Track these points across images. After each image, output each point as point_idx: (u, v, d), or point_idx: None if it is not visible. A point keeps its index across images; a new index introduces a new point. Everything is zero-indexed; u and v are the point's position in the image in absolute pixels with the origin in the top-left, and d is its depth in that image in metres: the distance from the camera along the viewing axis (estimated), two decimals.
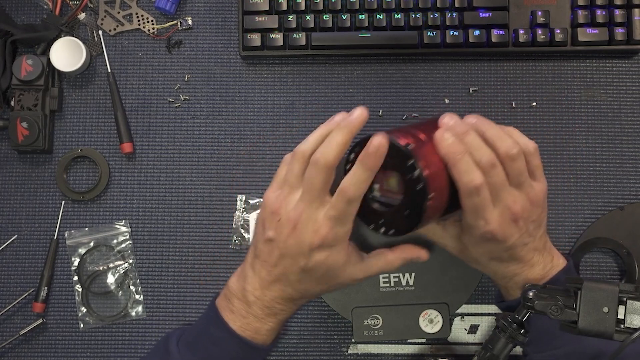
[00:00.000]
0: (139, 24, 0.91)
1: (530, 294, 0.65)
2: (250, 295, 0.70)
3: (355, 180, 0.63)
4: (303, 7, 0.88)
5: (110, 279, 0.88)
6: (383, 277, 0.82)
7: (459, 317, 0.87)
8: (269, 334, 0.72)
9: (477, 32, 0.88)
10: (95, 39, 0.91)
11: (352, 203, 0.64)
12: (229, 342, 0.71)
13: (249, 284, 0.70)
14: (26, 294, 0.87)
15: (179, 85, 0.91)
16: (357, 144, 0.65)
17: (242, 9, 0.88)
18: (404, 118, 0.90)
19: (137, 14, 0.91)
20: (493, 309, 0.87)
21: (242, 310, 0.71)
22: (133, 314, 0.87)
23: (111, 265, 0.88)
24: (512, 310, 0.66)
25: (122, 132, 0.89)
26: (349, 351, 0.87)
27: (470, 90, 0.91)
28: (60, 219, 0.88)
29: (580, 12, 0.88)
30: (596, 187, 0.89)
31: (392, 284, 0.82)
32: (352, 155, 0.65)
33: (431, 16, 0.87)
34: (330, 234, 0.65)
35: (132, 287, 0.88)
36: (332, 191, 0.65)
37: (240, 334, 0.71)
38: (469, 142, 0.65)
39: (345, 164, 0.66)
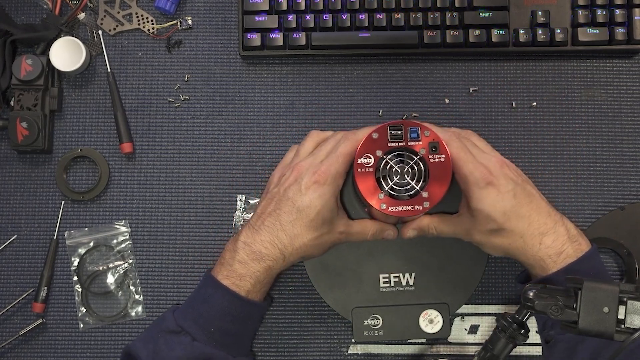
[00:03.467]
0: (139, 24, 0.91)
1: (531, 294, 0.65)
2: (240, 243, 0.75)
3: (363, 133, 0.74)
4: (303, 7, 0.88)
5: (110, 279, 0.88)
6: (383, 277, 0.82)
7: (459, 317, 0.87)
8: (254, 285, 0.74)
9: (477, 32, 0.88)
10: (95, 38, 0.91)
11: (350, 142, 0.74)
12: (215, 295, 0.74)
13: (242, 234, 0.76)
14: (26, 294, 0.87)
15: (179, 85, 0.91)
16: None
17: (242, 9, 0.88)
18: (404, 118, 0.90)
19: (136, 13, 0.91)
20: (493, 309, 0.87)
21: (229, 259, 0.75)
22: (133, 314, 0.87)
23: (111, 265, 0.88)
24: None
25: (122, 132, 0.88)
26: (349, 351, 0.87)
27: (470, 90, 0.91)
28: (60, 219, 0.88)
29: (580, 12, 0.88)
30: (596, 187, 0.89)
31: (392, 284, 0.82)
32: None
33: (431, 16, 0.87)
34: (327, 171, 0.73)
35: (132, 287, 0.87)
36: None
37: (223, 281, 0.74)
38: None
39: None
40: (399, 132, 0.73)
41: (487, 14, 0.88)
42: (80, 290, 0.87)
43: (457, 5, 0.88)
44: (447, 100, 0.90)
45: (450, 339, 0.86)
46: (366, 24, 0.88)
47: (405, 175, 0.73)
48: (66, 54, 0.88)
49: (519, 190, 0.73)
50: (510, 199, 0.72)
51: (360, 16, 0.88)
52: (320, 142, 0.79)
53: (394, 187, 0.73)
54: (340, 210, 0.77)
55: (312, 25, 0.88)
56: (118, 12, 0.91)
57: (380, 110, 0.90)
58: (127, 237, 0.88)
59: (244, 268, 0.74)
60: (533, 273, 0.75)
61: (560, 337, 0.74)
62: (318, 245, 0.75)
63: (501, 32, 0.88)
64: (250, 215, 0.80)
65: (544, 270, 0.73)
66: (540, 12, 0.88)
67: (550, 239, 0.73)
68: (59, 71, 0.89)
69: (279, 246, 0.74)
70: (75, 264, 0.88)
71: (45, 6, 0.91)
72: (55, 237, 0.88)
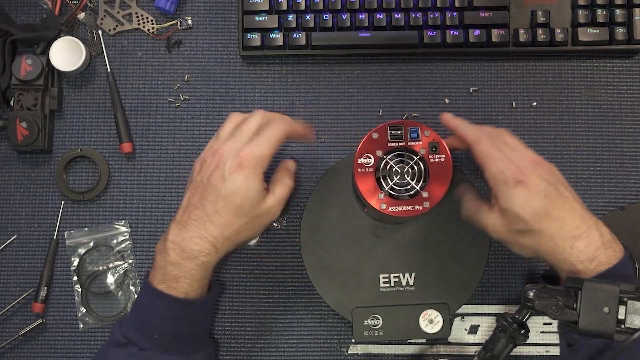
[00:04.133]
0: (139, 24, 0.91)
1: (531, 294, 0.65)
2: (170, 243, 0.71)
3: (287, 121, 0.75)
4: (303, 7, 0.88)
5: (110, 279, 0.88)
6: (383, 277, 0.82)
7: (459, 317, 0.87)
8: (192, 284, 0.71)
9: (477, 32, 0.88)
10: (95, 38, 0.91)
11: (280, 129, 0.73)
12: (154, 302, 0.72)
13: (169, 233, 0.72)
14: (26, 294, 0.87)
15: (178, 85, 0.91)
16: None
17: (242, 9, 0.88)
18: (404, 118, 0.90)
19: (136, 13, 0.91)
20: (493, 309, 0.87)
21: (161, 262, 0.72)
22: None
23: (111, 265, 0.88)
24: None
25: (122, 132, 0.88)
26: (349, 351, 0.87)
27: (471, 90, 0.91)
28: (60, 219, 0.88)
29: (580, 12, 0.88)
30: (596, 187, 0.89)
31: (392, 284, 0.82)
32: None
33: (431, 16, 0.87)
34: (251, 154, 0.70)
35: (131, 287, 0.87)
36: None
37: (159, 286, 0.71)
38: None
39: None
40: (399, 132, 0.73)
41: (487, 14, 0.88)
42: (80, 290, 0.87)
43: (457, 5, 0.88)
44: (447, 100, 0.90)
45: (450, 339, 0.86)
46: (366, 24, 0.88)
47: (405, 175, 0.73)
48: (66, 54, 0.88)
49: (552, 190, 0.71)
50: (542, 200, 0.70)
51: (360, 16, 0.88)
52: (240, 123, 0.75)
53: (394, 187, 0.73)
54: (264, 191, 0.73)
55: (312, 25, 0.88)
56: (118, 12, 0.91)
57: (380, 110, 0.90)
58: (127, 237, 0.88)
59: (177, 269, 0.71)
60: (562, 276, 0.72)
61: (585, 342, 0.70)
62: (249, 229, 0.73)
63: (501, 32, 0.88)
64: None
65: (573, 274, 0.70)
66: (540, 12, 0.88)
67: (583, 244, 0.70)
68: (59, 71, 0.89)
69: (209, 239, 0.71)
70: (75, 264, 0.88)
71: (45, 6, 0.91)
72: (55, 237, 0.88)
